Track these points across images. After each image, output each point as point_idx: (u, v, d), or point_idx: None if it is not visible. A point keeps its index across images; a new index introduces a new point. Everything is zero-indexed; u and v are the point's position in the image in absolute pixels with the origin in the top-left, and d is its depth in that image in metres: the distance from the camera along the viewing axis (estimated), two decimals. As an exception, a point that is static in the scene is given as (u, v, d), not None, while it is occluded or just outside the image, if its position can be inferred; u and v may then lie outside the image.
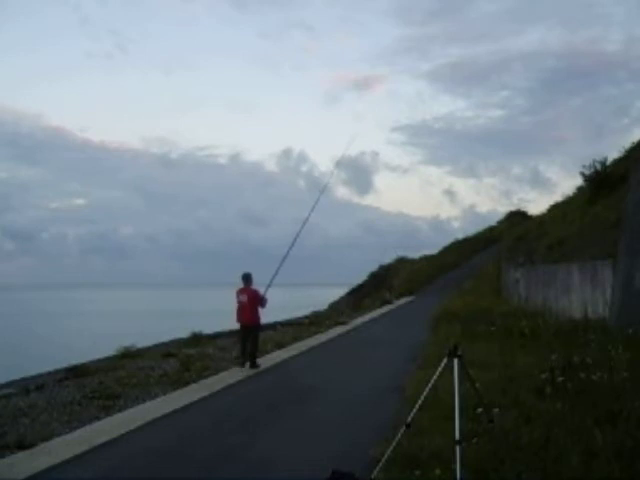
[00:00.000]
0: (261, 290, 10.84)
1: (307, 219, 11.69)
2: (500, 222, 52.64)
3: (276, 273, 11.18)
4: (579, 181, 21.08)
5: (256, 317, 10.70)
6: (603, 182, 17.67)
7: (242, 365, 10.67)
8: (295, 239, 11.45)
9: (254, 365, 10.62)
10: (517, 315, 14.92)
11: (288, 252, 11.34)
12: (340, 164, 14.32)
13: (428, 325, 16.71)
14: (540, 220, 26.00)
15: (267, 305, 10.81)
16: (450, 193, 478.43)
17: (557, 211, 23.80)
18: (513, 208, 56.60)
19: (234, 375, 10.12)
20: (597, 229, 14.96)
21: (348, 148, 13.42)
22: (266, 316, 11.86)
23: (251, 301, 10.63)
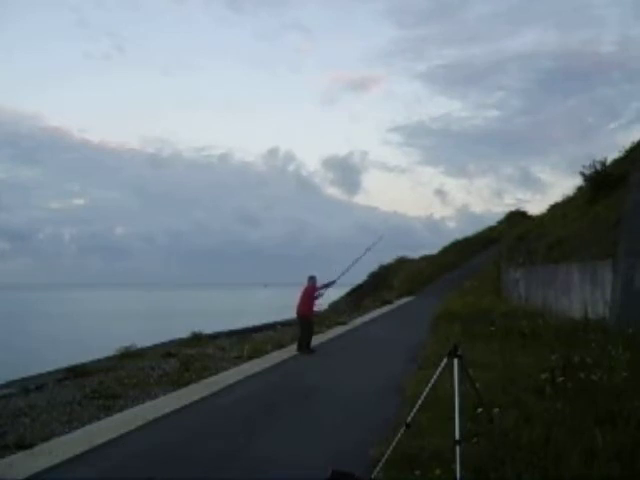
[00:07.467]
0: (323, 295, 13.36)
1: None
2: (500, 222, 52.60)
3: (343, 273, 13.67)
4: (573, 181, 21.20)
5: (307, 310, 12.91)
6: (603, 182, 17.69)
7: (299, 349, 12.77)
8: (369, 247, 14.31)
9: (308, 350, 12.64)
10: (517, 315, 14.94)
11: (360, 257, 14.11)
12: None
13: (428, 325, 16.71)
14: (540, 220, 26.02)
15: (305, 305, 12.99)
16: (442, 193, 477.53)
17: (557, 211, 23.82)
18: (507, 208, 56.60)
19: (234, 375, 10.14)
20: (597, 229, 14.96)
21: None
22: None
23: (304, 295, 12.91)
